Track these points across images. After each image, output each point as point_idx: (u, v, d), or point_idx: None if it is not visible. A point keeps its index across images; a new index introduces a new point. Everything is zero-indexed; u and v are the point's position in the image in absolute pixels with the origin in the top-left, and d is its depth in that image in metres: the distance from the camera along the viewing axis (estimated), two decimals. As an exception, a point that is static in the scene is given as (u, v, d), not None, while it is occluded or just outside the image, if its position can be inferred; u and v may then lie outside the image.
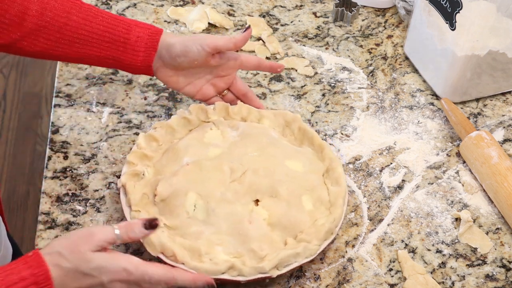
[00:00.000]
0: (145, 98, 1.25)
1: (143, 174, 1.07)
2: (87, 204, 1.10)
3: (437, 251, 1.09)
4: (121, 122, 1.21)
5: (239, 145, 1.08)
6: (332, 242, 1.05)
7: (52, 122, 1.20)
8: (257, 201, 1.02)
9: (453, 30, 1.19)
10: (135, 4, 1.41)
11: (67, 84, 1.26)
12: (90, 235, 0.88)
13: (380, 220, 1.11)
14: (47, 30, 1.08)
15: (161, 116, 1.22)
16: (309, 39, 1.38)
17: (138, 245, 1.02)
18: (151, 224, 0.91)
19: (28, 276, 0.84)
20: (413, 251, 1.08)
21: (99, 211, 1.09)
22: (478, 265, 1.08)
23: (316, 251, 1.00)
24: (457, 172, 1.18)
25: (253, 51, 1.34)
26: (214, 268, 0.96)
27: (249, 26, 1.13)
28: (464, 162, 1.19)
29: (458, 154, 1.21)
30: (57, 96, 1.24)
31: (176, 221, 1.01)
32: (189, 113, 1.14)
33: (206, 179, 1.03)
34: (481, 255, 1.08)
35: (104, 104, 1.24)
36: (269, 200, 1.02)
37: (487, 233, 1.11)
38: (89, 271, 0.86)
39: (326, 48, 1.36)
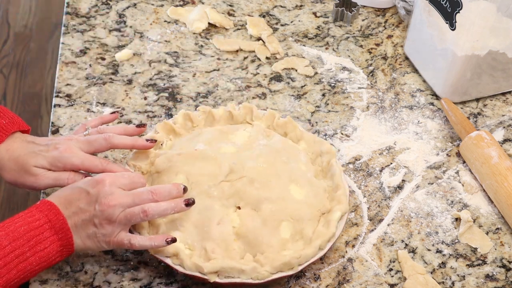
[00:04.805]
0: (145, 98, 1.25)
1: (161, 144, 1.10)
2: (87, 204, 1.10)
3: (437, 251, 1.09)
4: (121, 122, 1.21)
5: (255, 153, 1.07)
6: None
7: (52, 122, 1.20)
8: (240, 208, 1.02)
9: (453, 30, 1.19)
10: (135, 4, 1.41)
11: (67, 84, 1.26)
12: None
13: (380, 220, 1.11)
14: None
15: (161, 116, 1.22)
16: (309, 39, 1.38)
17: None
18: None
19: (42, 216, 0.93)
20: (413, 251, 1.08)
21: (99, 211, 1.09)
22: (478, 265, 1.08)
23: (265, 278, 0.97)
24: (457, 172, 1.18)
25: (253, 51, 1.34)
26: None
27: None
28: (464, 162, 1.19)
29: (458, 154, 1.21)
30: (57, 96, 1.24)
31: None
32: (237, 109, 1.14)
33: (202, 168, 1.04)
34: (481, 255, 1.08)
35: (104, 104, 1.24)
36: (249, 211, 1.01)
37: (487, 233, 1.11)
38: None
39: (326, 48, 1.36)
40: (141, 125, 1.09)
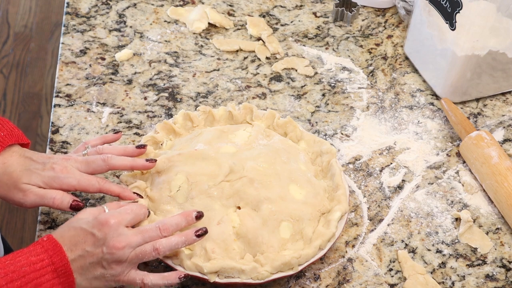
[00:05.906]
0: (145, 98, 1.25)
1: (161, 144, 1.10)
2: (87, 204, 1.10)
3: (437, 251, 1.09)
4: (121, 122, 1.21)
5: (255, 153, 1.07)
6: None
7: (52, 122, 1.20)
8: (240, 208, 1.02)
9: (453, 30, 1.19)
10: (135, 4, 1.41)
11: (67, 84, 1.26)
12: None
13: (380, 220, 1.11)
14: None
15: (161, 116, 1.22)
16: (309, 39, 1.38)
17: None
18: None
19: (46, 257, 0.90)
20: (413, 251, 1.08)
21: (99, 211, 1.09)
22: (478, 265, 1.08)
23: (265, 278, 0.97)
24: (457, 172, 1.18)
25: (253, 51, 1.34)
26: None
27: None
28: (464, 162, 1.19)
29: (458, 154, 1.21)
30: (57, 96, 1.24)
31: (157, 194, 1.03)
32: (237, 109, 1.14)
33: (202, 168, 1.04)
34: (481, 255, 1.09)
35: (104, 104, 1.24)
36: (249, 211, 1.01)
37: (487, 233, 1.11)
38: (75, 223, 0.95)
39: (326, 48, 1.36)
40: (141, 146, 1.07)
